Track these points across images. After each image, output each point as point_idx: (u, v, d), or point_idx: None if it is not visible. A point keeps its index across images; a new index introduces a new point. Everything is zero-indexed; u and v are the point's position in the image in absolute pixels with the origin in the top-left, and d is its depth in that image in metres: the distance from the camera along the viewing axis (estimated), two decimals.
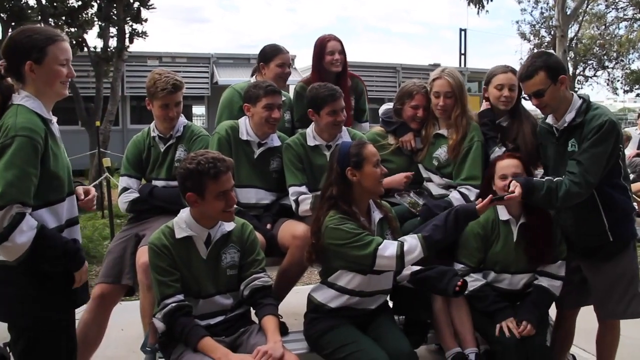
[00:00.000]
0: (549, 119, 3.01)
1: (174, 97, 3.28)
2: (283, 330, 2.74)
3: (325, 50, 3.75)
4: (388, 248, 2.58)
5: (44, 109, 2.22)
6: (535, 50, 23.12)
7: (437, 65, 17.38)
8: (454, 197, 3.16)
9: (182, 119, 3.44)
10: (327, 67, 3.76)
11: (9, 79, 2.22)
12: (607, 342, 3.16)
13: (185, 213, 2.61)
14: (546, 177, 2.88)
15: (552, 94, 2.83)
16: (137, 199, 3.34)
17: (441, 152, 3.29)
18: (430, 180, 3.35)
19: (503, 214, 3.04)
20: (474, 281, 3.00)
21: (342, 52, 3.81)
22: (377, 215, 2.82)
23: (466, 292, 2.90)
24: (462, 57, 25.73)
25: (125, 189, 3.38)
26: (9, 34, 2.28)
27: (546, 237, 2.98)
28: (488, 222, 3.05)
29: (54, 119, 2.28)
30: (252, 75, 3.96)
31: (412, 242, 2.60)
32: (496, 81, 3.26)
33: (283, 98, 3.52)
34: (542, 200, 2.81)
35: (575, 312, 3.27)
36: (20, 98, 2.18)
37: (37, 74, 2.18)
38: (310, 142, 3.32)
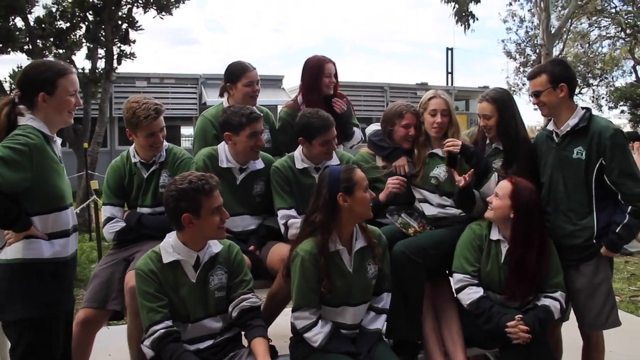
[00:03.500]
0: (550, 126, 3.17)
1: (158, 122, 3.19)
2: (272, 353, 2.70)
3: (323, 72, 3.75)
4: (305, 323, 2.67)
5: (47, 129, 2.45)
6: (522, 69, 23.53)
7: (424, 85, 17.65)
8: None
9: (164, 143, 3.34)
10: (322, 89, 3.76)
11: (21, 106, 2.45)
12: (592, 358, 3.21)
13: (171, 237, 2.59)
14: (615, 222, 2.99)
15: (549, 97, 3.07)
16: (124, 229, 3.24)
17: (440, 172, 3.27)
18: (425, 200, 3.33)
19: (494, 233, 3.05)
20: (473, 293, 2.98)
21: (336, 75, 3.84)
22: (358, 244, 2.78)
23: (466, 306, 2.97)
24: (449, 75, 25.97)
25: (109, 219, 3.27)
26: (24, 68, 2.60)
27: (534, 264, 2.94)
28: (482, 236, 3.06)
29: (58, 140, 2.53)
30: (220, 95, 3.83)
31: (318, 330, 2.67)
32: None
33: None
34: (630, 235, 3.01)
35: (559, 325, 3.31)
36: (26, 119, 2.42)
37: (48, 103, 2.43)
38: (299, 165, 3.30)
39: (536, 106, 3.18)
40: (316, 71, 3.77)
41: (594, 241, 3.03)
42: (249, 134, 3.16)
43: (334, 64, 3.83)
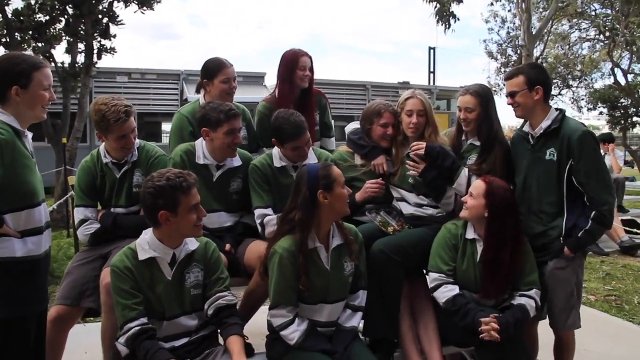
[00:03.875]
0: (526, 127, 3.25)
1: (129, 124, 3.09)
2: (249, 351, 2.70)
3: (298, 64, 3.76)
4: (280, 319, 2.67)
5: (18, 123, 2.37)
6: (503, 69, 23.71)
7: (406, 83, 17.69)
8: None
9: (136, 141, 3.25)
10: (296, 81, 3.77)
11: None
12: (562, 352, 3.29)
13: (147, 234, 2.58)
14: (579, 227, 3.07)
15: (524, 98, 3.15)
16: (99, 231, 3.18)
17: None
18: (402, 199, 3.35)
19: (470, 232, 3.07)
20: (448, 291, 3.00)
21: (312, 69, 3.84)
22: (335, 242, 2.80)
23: (441, 304, 2.99)
24: (431, 75, 26.09)
25: (83, 221, 3.20)
26: None
27: (508, 262, 2.97)
28: (458, 235, 3.08)
29: (29, 134, 2.45)
30: (197, 92, 3.81)
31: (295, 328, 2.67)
32: (457, 103, 3.39)
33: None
34: (593, 239, 3.13)
35: (535, 323, 3.35)
36: None
37: (22, 97, 2.35)
38: (277, 163, 3.30)
39: (511, 106, 3.24)
40: (290, 63, 3.78)
41: (561, 239, 3.09)
42: (227, 130, 3.14)
43: (310, 57, 3.84)
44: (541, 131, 3.13)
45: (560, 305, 3.12)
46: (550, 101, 3.28)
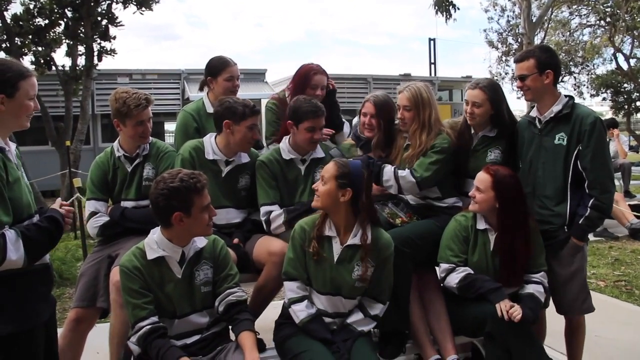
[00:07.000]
0: (533, 112, 3.24)
1: (148, 112, 3.21)
2: (260, 346, 2.71)
3: (310, 83, 3.60)
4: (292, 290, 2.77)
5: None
6: (505, 58, 23.64)
7: (407, 75, 17.61)
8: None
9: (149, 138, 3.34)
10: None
11: None
12: (574, 337, 3.32)
13: (156, 234, 2.57)
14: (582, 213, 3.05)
15: (534, 81, 3.11)
16: (107, 223, 3.23)
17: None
18: None
19: (481, 223, 3.06)
20: (459, 273, 2.99)
21: (325, 87, 3.68)
22: (353, 240, 2.76)
23: (455, 285, 2.98)
24: (432, 66, 26.02)
25: (93, 213, 3.25)
26: None
27: (523, 249, 2.98)
28: (468, 227, 3.07)
29: (12, 146, 2.33)
30: (200, 90, 3.83)
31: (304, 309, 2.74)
32: (465, 97, 3.35)
33: None
34: (593, 226, 3.11)
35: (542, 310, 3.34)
36: None
37: (7, 106, 2.25)
38: (285, 155, 3.27)
39: (520, 90, 3.22)
40: (302, 80, 3.63)
41: (566, 228, 3.09)
42: (250, 125, 3.16)
43: (325, 75, 3.67)
44: (552, 115, 3.11)
45: (575, 292, 3.12)
46: None
